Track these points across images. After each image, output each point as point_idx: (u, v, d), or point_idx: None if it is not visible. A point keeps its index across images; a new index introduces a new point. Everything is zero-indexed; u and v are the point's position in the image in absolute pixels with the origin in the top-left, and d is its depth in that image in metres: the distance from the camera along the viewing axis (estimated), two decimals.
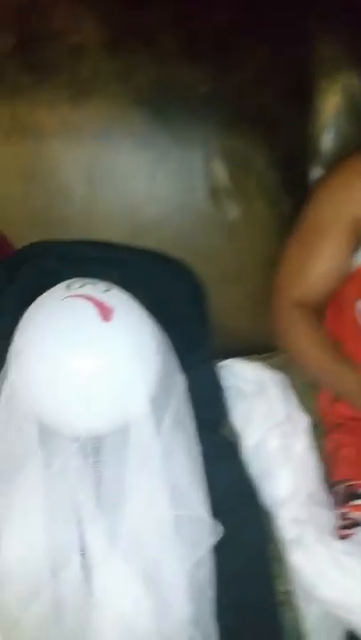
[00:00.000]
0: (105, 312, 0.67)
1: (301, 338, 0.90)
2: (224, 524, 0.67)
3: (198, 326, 0.90)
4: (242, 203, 0.95)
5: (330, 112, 0.98)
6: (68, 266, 0.82)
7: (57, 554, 0.62)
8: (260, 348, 1.03)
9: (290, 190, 0.98)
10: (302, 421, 0.91)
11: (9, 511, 0.64)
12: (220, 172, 0.94)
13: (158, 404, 0.69)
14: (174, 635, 0.61)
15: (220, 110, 0.95)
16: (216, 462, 0.72)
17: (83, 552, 0.63)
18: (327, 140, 0.99)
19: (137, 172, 0.94)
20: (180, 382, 0.73)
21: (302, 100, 0.98)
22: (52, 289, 0.72)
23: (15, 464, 0.65)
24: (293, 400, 0.94)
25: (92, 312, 0.67)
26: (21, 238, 0.91)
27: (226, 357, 0.98)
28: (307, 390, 0.99)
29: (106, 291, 0.71)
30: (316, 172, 1.00)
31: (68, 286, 0.71)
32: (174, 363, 0.75)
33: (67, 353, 0.64)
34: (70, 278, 0.77)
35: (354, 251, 0.90)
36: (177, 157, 0.94)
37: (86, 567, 0.63)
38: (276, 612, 0.73)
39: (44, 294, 0.72)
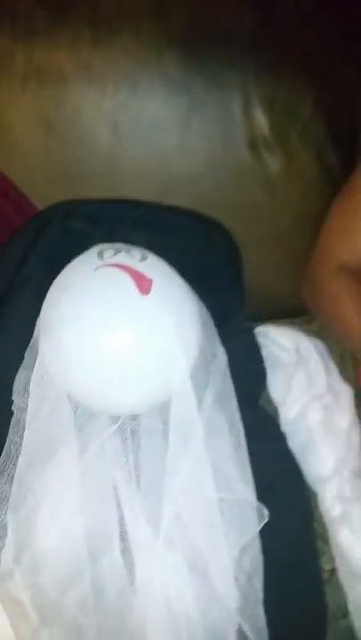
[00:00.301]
0: (143, 284, 0.62)
1: (348, 306, 0.84)
2: (267, 504, 0.63)
3: (235, 292, 0.85)
4: (283, 156, 0.88)
5: None
6: (95, 228, 0.77)
7: (96, 539, 0.60)
8: (296, 311, 0.98)
9: (336, 144, 0.90)
10: (345, 392, 0.87)
11: (44, 494, 0.61)
12: (261, 122, 0.87)
13: (199, 379, 0.66)
14: (221, 623, 0.59)
15: (261, 54, 0.87)
16: (256, 439, 0.68)
17: (123, 537, 0.60)
18: None
19: (168, 121, 0.86)
20: (221, 356, 0.69)
21: (352, 47, 0.89)
22: (83, 257, 0.67)
23: (50, 446, 0.62)
24: (335, 369, 0.90)
25: (129, 284, 0.62)
26: (42, 195, 0.85)
27: (260, 322, 0.94)
28: (346, 359, 0.94)
29: (142, 259, 0.65)
30: None
31: (101, 254, 0.66)
32: (215, 335, 0.70)
33: (103, 330, 0.60)
34: (98, 241, 0.72)
35: None
36: (213, 105, 0.86)
37: (127, 552, 0.60)
38: (321, 591, 0.71)
39: (74, 263, 0.67)
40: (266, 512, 0.62)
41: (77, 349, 0.61)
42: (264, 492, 0.64)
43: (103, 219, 0.78)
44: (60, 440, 0.61)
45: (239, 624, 0.59)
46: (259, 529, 0.62)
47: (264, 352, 0.88)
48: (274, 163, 0.88)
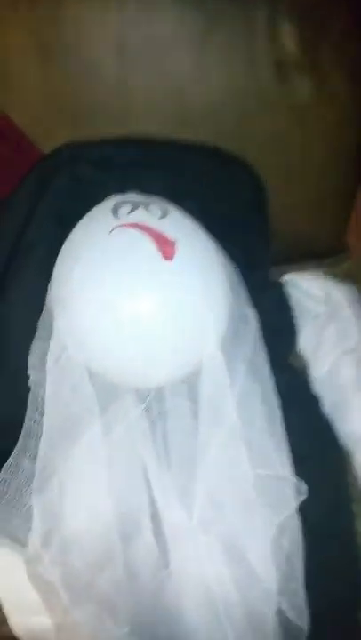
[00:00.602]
0: (166, 247, 0.56)
1: None
2: (302, 475, 0.60)
3: (261, 238, 0.78)
4: (315, 78, 0.78)
5: None
6: (107, 173, 0.69)
7: (126, 521, 0.57)
8: (325, 253, 0.91)
9: None
10: None
11: (70, 476, 0.58)
12: (289, 40, 0.76)
13: (230, 348, 0.60)
14: (261, 605, 0.57)
15: None
16: (288, 406, 0.64)
17: (155, 518, 0.58)
18: None
19: (182, 41, 0.76)
20: (252, 320, 0.63)
21: None
22: (96, 214, 0.61)
23: (73, 427, 0.58)
24: None
25: (150, 248, 0.56)
26: (44, 132, 0.77)
27: (285, 265, 0.87)
28: None
29: (163, 216, 0.59)
30: None
31: (116, 211, 0.59)
32: (244, 295, 0.65)
33: (124, 303, 0.55)
34: (111, 188, 0.65)
35: None
36: (234, 20, 0.75)
37: (159, 534, 0.57)
38: (357, 557, 0.69)
39: (87, 221, 0.60)
40: (304, 487, 0.59)
41: (96, 324, 0.56)
42: (298, 462, 0.61)
43: (115, 163, 0.70)
44: (83, 421, 0.57)
45: (279, 603, 0.57)
46: (297, 505, 0.59)
47: (291, 303, 0.82)
48: (303, 87, 0.78)
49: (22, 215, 0.67)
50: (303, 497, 0.59)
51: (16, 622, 0.63)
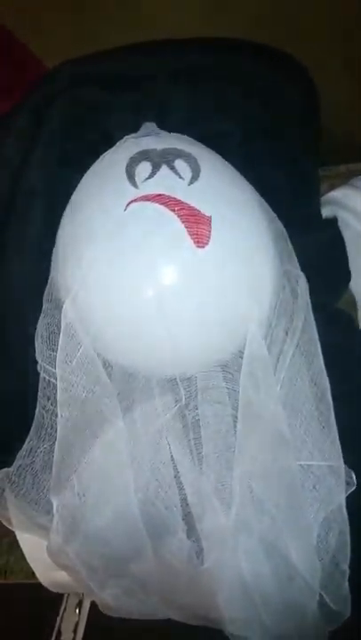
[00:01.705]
0: (199, 229, 0.46)
1: None
2: (351, 459, 0.55)
3: (311, 157, 0.66)
4: None
5: None
6: (117, 94, 0.57)
7: (156, 520, 0.54)
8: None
9: None
10: None
11: (93, 475, 0.54)
12: None
13: (276, 330, 0.53)
14: (302, 602, 0.55)
15: None
16: (339, 378, 0.57)
17: (188, 517, 0.54)
18: None
19: None
20: (303, 289, 0.54)
21: None
22: (107, 170, 0.50)
23: (92, 423, 0.53)
24: None
25: (178, 233, 0.46)
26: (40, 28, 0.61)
27: (333, 166, 0.74)
28: None
29: (193, 179, 0.48)
30: None
31: (131, 172, 0.48)
32: (293, 258, 0.55)
33: (147, 298, 0.47)
34: (123, 114, 0.54)
35: None
36: None
37: (194, 534, 0.54)
38: None
39: (96, 182, 0.50)
40: (354, 478, 0.55)
41: (116, 321, 0.48)
42: (345, 446, 0.55)
43: (127, 79, 0.57)
44: (103, 418, 0.52)
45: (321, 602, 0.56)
46: (345, 497, 0.55)
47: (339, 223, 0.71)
48: None
49: (17, 157, 0.56)
50: (353, 488, 0.55)
51: (41, 574, 0.64)
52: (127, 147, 0.50)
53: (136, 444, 0.53)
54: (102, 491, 0.54)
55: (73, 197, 0.50)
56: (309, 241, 0.60)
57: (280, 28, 0.61)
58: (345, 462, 0.55)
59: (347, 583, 0.56)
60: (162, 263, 0.45)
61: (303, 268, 0.57)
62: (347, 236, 0.72)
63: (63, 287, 0.49)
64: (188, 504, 0.54)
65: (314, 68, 0.63)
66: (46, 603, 0.94)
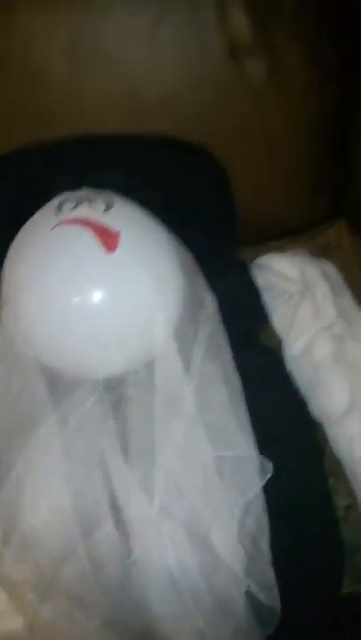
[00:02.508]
0: (108, 239, 0.59)
1: None
2: (272, 453, 0.62)
3: (226, 224, 0.80)
4: (269, 58, 0.79)
5: None
6: (58, 172, 0.72)
7: (87, 513, 0.60)
8: (299, 229, 0.92)
9: (331, 35, 0.81)
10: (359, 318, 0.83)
11: (28, 473, 0.60)
12: (239, 23, 0.78)
13: (185, 333, 0.64)
14: (229, 589, 0.59)
15: None
16: (256, 383, 0.66)
17: (115, 509, 0.60)
18: None
19: (133, 35, 0.79)
20: (209, 303, 0.65)
21: None
22: (41, 212, 0.64)
23: (27, 421, 0.61)
24: (347, 293, 0.85)
25: (91, 242, 0.59)
26: None
27: (261, 245, 0.89)
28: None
29: (107, 209, 0.62)
30: None
31: (59, 207, 0.63)
32: (200, 280, 0.67)
33: (69, 296, 0.58)
34: (65, 186, 0.68)
35: None
36: (182, 9, 0.77)
37: (121, 524, 0.60)
38: (336, 531, 0.70)
39: (32, 220, 0.64)
40: (270, 466, 0.61)
41: (44, 318, 0.59)
42: (268, 440, 0.63)
43: (67, 162, 0.74)
44: (36, 415, 0.60)
45: (247, 585, 0.59)
46: (262, 485, 0.61)
47: (266, 284, 0.85)
48: (258, 68, 0.80)
49: None
50: (269, 475, 0.61)
51: None
52: (60, 196, 0.65)
53: (67, 440, 0.60)
54: (37, 487, 0.60)
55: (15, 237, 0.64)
56: (226, 283, 0.72)
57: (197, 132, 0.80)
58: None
59: (272, 569, 0.60)
60: (79, 266, 0.58)
61: (223, 307, 0.69)
62: (271, 294, 0.85)
63: (3, 298, 0.61)
64: (115, 496, 0.60)
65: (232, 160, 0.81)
66: None
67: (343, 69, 0.84)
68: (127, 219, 0.62)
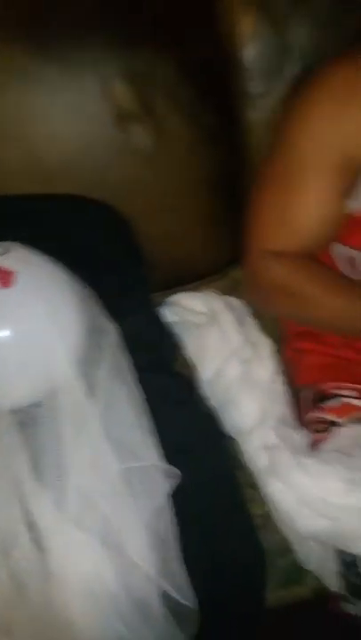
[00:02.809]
0: (4, 277, 0.65)
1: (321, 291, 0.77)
2: (184, 463, 0.67)
3: (130, 267, 0.88)
4: (154, 126, 0.91)
5: (238, 7, 0.92)
6: None
7: (3, 534, 0.63)
8: (207, 272, 1.01)
9: (209, 103, 0.93)
10: (264, 344, 0.91)
11: None
12: (124, 96, 0.89)
13: (89, 361, 0.69)
14: (143, 590, 0.62)
15: (112, 25, 0.89)
16: (167, 404, 0.73)
17: (31, 527, 0.63)
18: (246, 39, 0.93)
19: (30, 114, 0.89)
20: (112, 333, 0.72)
21: (204, 8, 0.92)
22: None
23: None
24: (251, 323, 0.93)
25: None
26: None
27: (171, 287, 0.97)
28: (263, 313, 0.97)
29: (3, 253, 0.69)
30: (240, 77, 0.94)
31: None
32: (103, 314, 0.74)
33: None
34: None
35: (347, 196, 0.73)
36: (70, 88, 0.89)
37: (38, 540, 0.63)
38: (254, 538, 0.75)
39: None
40: (176, 472, 0.66)
41: None
42: (178, 452, 0.68)
43: None
44: None
45: (161, 586, 0.62)
46: (169, 491, 0.65)
47: (177, 319, 0.92)
48: (145, 134, 0.91)
49: None
50: (175, 481, 0.66)
51: None
52: None
53: None
54: None
55: None
56: (136, 320, 0.79)
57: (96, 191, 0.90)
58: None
59: (184, 570, 0.64)
60: None
61: (132, 339, 0.75)
62: (182, 327, 0.93)
63: None
64: (32, 514, 0.64)
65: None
66: None
67: (223, 129, 0.96)
68: (24, 260, 0.69)
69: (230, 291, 1.00)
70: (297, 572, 0.77)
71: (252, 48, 0.91)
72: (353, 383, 0.83)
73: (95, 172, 0.91)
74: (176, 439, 0.70)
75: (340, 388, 0.83)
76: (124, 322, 0.75)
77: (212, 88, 0.95)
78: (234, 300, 0.95)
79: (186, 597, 0.63)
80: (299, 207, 0.74)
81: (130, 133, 0.91)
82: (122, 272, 0.86)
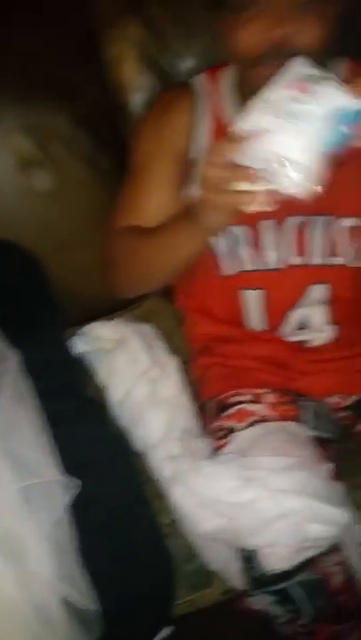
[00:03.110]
0: None
1: (127, 240, 0.88)
2: (90, 477, 0.72)
3: (39, 300, 0.94)
4: (56, 170, 0.99)
5: (121, 61, 1.01)
6: None
7: None
8: (120, 304, 1.07)
9: (106, 150, 1.02)
10: (171, 363, 0.96)
11: None
12: (26, 146, 0.97)
13: None
14: (46, 597, 0.65)
15: (6, 85, 0.97)
16: (75, 424, 0.79)
17: None
18: (131, 88, 1.02)
19: None
20: (12, 359, 0.77)
21: (90, 56, 1.01)
22: None
23: None
24: (159, 345, 0.99)
25: None
26: None
27: (88, 321, 1.03)
28: (175, 330, 1.04)
29: None
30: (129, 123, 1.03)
31: None
32: (3, 342, 0.79)
33: None
34: None
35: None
36: None
37: None
38: (161, 545, 0.79)
39: None
40: (76, 483, 0.70)
41: None
42: (81, 467, 0.73)
43: None
44: None
45: (62, 590, 0.66)
46: (68, 502, 0.70)
47: (88, 347, 0.98)
48: (47, 179, 0.98)
49: None
50: (75, 492, 0.70)
51: None
52: None
53: None
54: None
55: None
56: (48, 351, 0.85)
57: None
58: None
59: (83, 574, 0.67)
60: None
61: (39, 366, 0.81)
62: (93, 354, 0.98)
63: None
64: None
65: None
66: None
67: (120, 172, 1.04)
68: None
69: (144, 319, 1.06)
70: (205, 576, 0.81)
71: (137, 95, 1.01)
72: (249, 388, 0.89)
73: (5, 214, 0.98)
74: (82, 454, 0.75)
75: (239, 395, 0.89)
76: (33, 350, 0.81)
77: (106, 135, 1.04)
78: (144, 327, 1.01)
79: (87, 602, 0.66)
80: (142, 194, 0.91)
81: (32, 178, 0.98)
82: (30, 305, 0.92)
